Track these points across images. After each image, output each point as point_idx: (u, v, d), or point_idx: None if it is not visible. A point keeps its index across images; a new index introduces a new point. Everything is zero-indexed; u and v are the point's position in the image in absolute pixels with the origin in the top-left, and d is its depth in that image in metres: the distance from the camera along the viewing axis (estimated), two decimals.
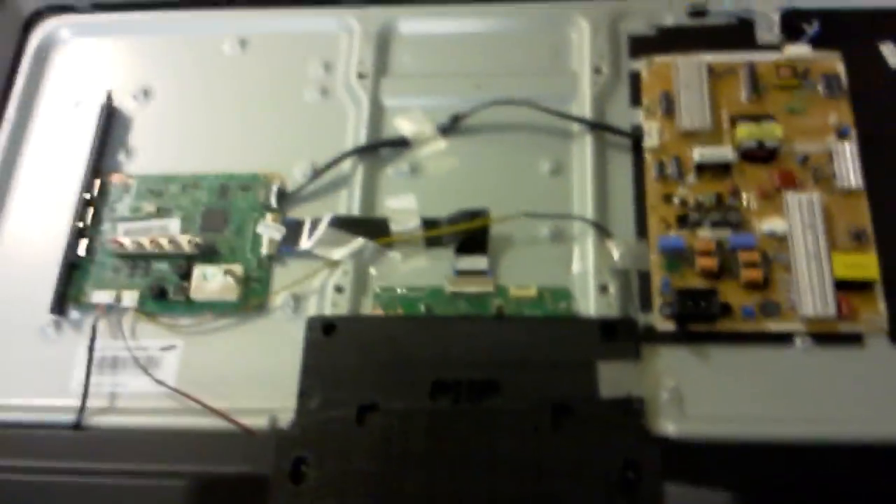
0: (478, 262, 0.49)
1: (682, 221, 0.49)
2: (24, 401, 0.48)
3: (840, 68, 0.52)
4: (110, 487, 0.44)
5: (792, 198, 0.48)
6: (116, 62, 0.60)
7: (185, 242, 0.50)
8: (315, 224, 0.51)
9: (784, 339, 0.46)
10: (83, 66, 0.60)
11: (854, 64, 0.52)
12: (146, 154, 0.56)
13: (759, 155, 0.50)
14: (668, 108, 0.52)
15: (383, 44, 0.57)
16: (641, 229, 0.49)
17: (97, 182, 0.54)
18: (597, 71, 0.54)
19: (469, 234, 0.49)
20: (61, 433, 0.46)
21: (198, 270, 0.50)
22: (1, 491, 0.45)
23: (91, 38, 0.61)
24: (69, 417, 0.47)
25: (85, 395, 0.47)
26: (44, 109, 0.59)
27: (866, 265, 0.46)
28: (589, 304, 0.47)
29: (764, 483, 0.42)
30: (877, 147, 0.50)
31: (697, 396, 0.45)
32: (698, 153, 0.50)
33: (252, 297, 0.49)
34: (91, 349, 0.48)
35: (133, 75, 0.59)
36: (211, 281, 0.50)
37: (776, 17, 0.54)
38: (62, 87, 0.59)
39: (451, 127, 0.53)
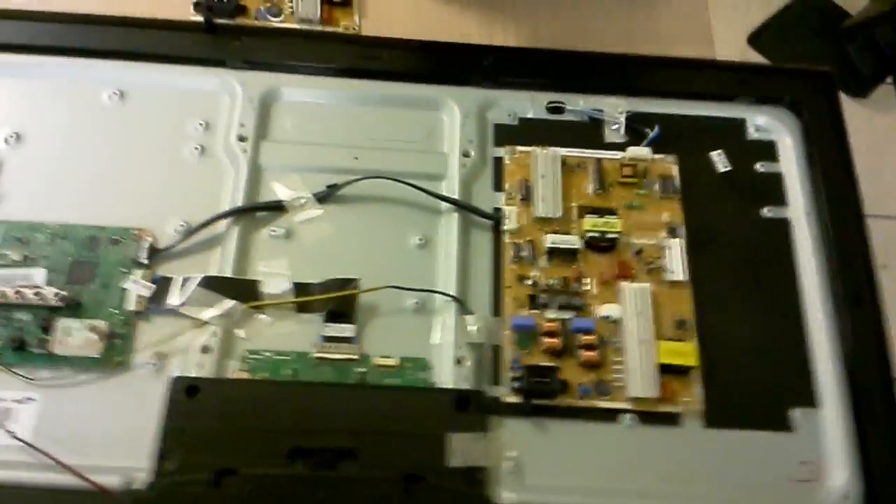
0: (345, 329, 0.50)
1: (533, 301, 0.51)
2: None
3: (675, 171, 0.56)
4: None
5: (627, 287, 0.51)
6: None
7: (52, 295, 0.47)
8: (185, 282, 0.50)
9: (613, 415, 0.49)
10: None
11: (687, 167, 0.57)
12: (14, 199, 0.52)
13: (601, 245, 0.53)
14: (526, 194, 0.54)
15: (265, 108, 0.57)
16: (497, 306, 0.51)
17: None
18: (465, 154, 0.56)
19: (338, 302, 0.50)
20: None
21: (61, 324, 0.47)
22: None
23: None
24: None
25: None
26: None
27: (687, 353, 0.50)
28: (447, 374, 0.49)
29: None
30: (701, 244, 0.54)
31: (536, 467, 0.47)
32: (550, 239, 0.52)
33: (115, 354, 0.47)
34: None
35: (5, 117, 0.55)
36: (74, 336, 0.47)
37: (622, 120, 0.58)
38: None
39: (327, 195, 0.53)
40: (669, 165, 0.56)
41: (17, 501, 0.43)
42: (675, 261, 0.52)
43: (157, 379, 0.47)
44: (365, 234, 0.53)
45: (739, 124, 0.59)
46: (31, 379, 0.46)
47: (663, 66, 0.61)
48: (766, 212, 0.56)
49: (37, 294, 0.47)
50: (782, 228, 0.56)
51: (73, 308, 0.48)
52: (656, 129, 0.57)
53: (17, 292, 0.47)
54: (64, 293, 0.48)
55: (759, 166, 0.58)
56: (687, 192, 0.55)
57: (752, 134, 0.59)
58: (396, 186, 0.54)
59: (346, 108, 0.58)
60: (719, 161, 0.57)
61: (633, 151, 0.57)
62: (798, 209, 0.56)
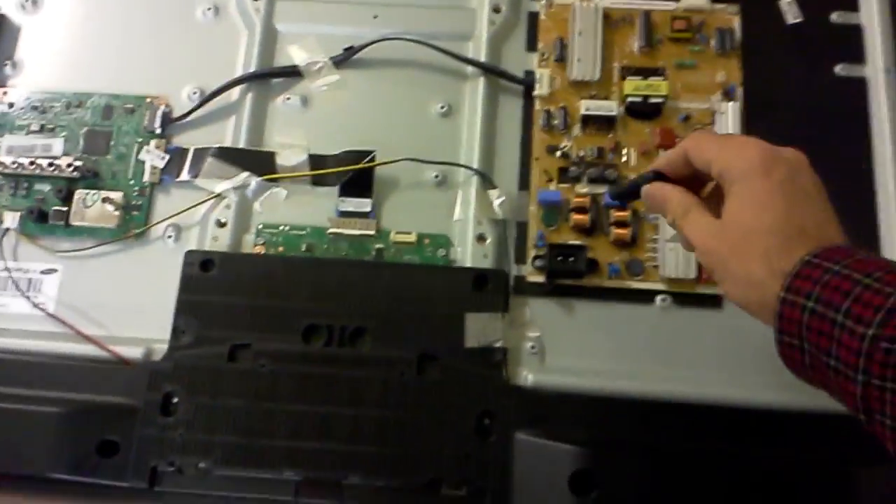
0: (361, 203, 0.45)
1: (564, 174, 0.45)
2: None
3: (735, 23, 0.47)
4: None
5: None
6: None
7: (66, 166, 0.45)
8: (200, 154, 0.46)
9: (646, 297, 0.44)
10: None
11: (751, 18, 0.48)
12: (33, 67, 0.49)
13: (644, 110, 0.46)
14: (561, 54, 0.47)
15: None
16: (524, 180, 0.46)
17: None
18: (495, 10, 0.48)
19: (354, 176, 0.45)
20: None
21: (78, 195, 0.45)
22: None
23: None
24: None
25: None
26: None
27: None
28: (466, 252, 0.44)
29: (608, 435, 0.40)
30: (761, 108, 0.46)
31: (559, 348, 0.43)
32: (585, 105, 0.46)
33: (131, 226, 0.45)
34: None
35: None
36: (91, 207, 0.45)
37: None
38: None
39: (345, 59, 0.48)
40: (730, 17, 0.48)
41: (41, 370, 0.42)
42: (729, 127, 0.45)
43: (175, 251, 0.45)
44: (384, 101, 0.48)
45: None
46: (52, 250, 0.45)
47: None
48: (840, 70, 0.47)
49: (52, 165, 0.45)
50: (858, 88, 0.47)
51: (89, 179, 0.46)
52: None
53: (33, 163, 0.45)
54: (80, 163, 0.45)
55: (836, 16, 0.48)
56: (748, 48, 0.47)
57: None
58: (418, 48, 0.47)
59: None
60: (789, 11, 0.48)
61: (689, 1, 0.48)
62: (877, 66, 0.47)
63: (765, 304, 0.28)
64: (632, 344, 0.43)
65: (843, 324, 0.26)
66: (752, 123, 0.45)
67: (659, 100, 0.46)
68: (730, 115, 0.45)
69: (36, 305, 0.43)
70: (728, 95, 0.46)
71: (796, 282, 0.28)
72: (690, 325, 0.43)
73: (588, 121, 0.46)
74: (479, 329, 0.42)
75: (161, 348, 0.42)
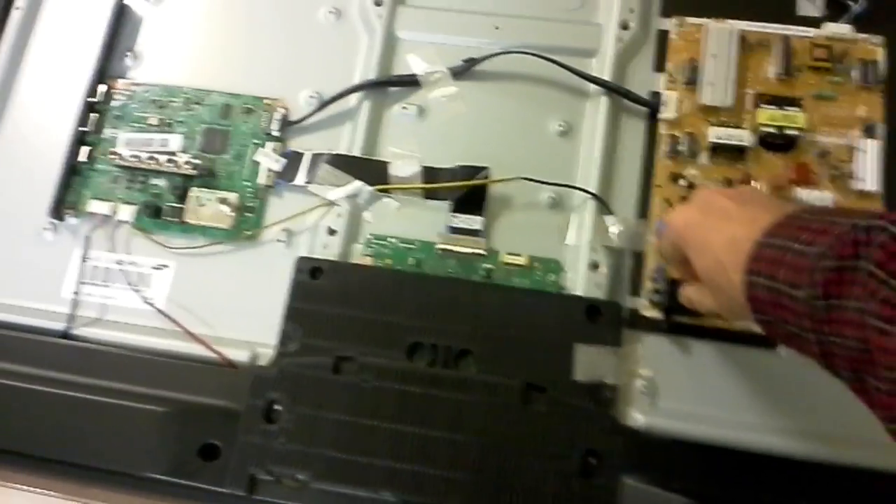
0: (473, 221, 0.43)
1: None
2: (17, 301, 0.44)
3: (880, 55, 0.43)
4: (91, 403, 0.40)
5: (804, 194, 0.41)
6: None
7: (184, 163, 0.44)
8: (316, 159, 0.44)
9: (769, 342, 0.40)
10: None
11: None
12: (153, 61, 0.48)
13: (778, 142, 0.42)
14: (692, 77, 0.43)
15: None
16: (644, 208, 0.42)
17: (102, 87, 0.46)
18: (623, 27, 0.45)
19: (467, 192, 0.43)
20: (50, 341, 0.42)
21: (193, 194, 0.44)
22: None
23: None
24: (59, 325, 0.42)
25: (75, 306, 0.42)
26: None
27: None
28: (578, 279, 0.41)
29: (723, 489, 0.37)
30: None
31: (672, 390, 0.39)
32: (715, 133, 0.42)
33: (244, 228, 0.43)
34: (85, 259, 0.43)
35: None
36: (206, 206, 0.44)
37: None
38: None
39: (464, 71, 0.45)
40: (874, 48, 0.43)
41: (145, 366, 0.41)
42: (868, 166, 0.41)
43: (285, 255, 0.43)
44: (501, 116, 0.45)
45: None
46: (166, 246, 0.44)
47: None
48: None
49: (170, 161, 0.44)
50: None
51: (205, 178, 0.44)
52: (862, 2, 0.43)
53: (153, 158, 0.44)
54: (197, 161, 0.44)
55: None
56: (894, 82, 0.43)
57: None
58: (539, 63, 0.44)
59: None
60: None
61: (832, 28, 0.44)
62: None
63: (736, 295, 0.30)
64: (753, 392, 0.39)
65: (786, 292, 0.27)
66: (894, 164, 0.41)
67: (795, 132, 0.42)
68: (870, 154, 0.41)
69: (146, 300, 0.43)
70: (869, 132, 0.42)
71: (751, 264, 0.29)
72: (818, 375, 0.40)
73: (717, 149, 0.42)
74: (590, 363, 0.39)
75: (265, 352, 0.41)
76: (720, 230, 0.32)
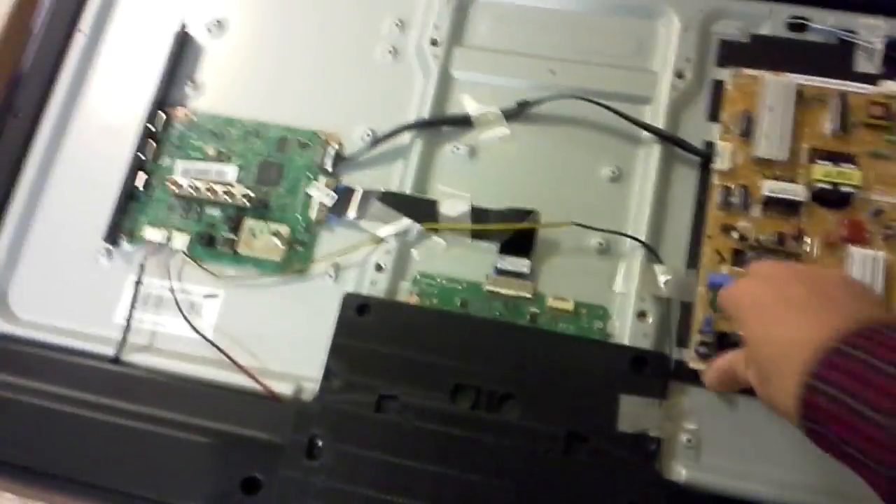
0: (520, 263, 0.43)
1: (738, 257, 0.41)
2: (70, 325, 0.45)
3: None
4: (136, 430, 0.41)
5: (857, 253, 0.40)
6: None
7: (240, 195, 0.45)
8: (367, 196, 0.45)
9: None
10: None
11: None
12: (212, 91, 0.49)
13: (833, 199, 0.41)
14: (747, 129, 0.43)
15: (462, 9, 0.48)
16: (693, 258, 0.42)
17: (161, 115, 0.47)
18: (679, 75, 0.45)
19: (516, 234, 0.43)
20: (101, 365, 0.43)
21: (247, 225, 0.45)
22: (36, 414, 0.41)
23: None
24: (109, 350, 0.43)
25: (126, 331, 0.43)
26: (118, 24, 0.51)
27: None
28: (625, 327, 0.41)
29: None
30: None
31: (717, 445, 0.39)
32: (769, 186, 0.42)
33: (295, 261, 0.44)
34: (138, 285, 0.44)
35: (209, 3, 0.51)
36: (258, 238, 0.45)
37: (880, 46, 0.44)
38: (138, 5, 0.51)
39: (517, 113, 0.46)
40: None
41: (190, 395, 0.41)
42: None
43: (333, 289, 0.43)
44: (552, 160, 0.45)
45: None
46: (217, 276, 0.44)
47: None
48: None
49: (227, 193, 0.45)
50: None
51: (259, 209, 0.45)
52: None
53: (210, 189, 0.45)
54: (252, 194, 0.45)
55: None
56: None
57: None
58: (593, 108, 0.45)
59: (549, 12, 0.48)
60: None
61: (889, 86, 0.43)
62: None
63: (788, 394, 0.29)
64: (797, 450, 0.38)
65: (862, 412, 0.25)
66: None
67: (850, 189, 0.41)
68: None
69: (195, 329, 0.43)
70: None
71: (819, 370, 0.27)
72: None
73: (770, 203, 0.42)
74: (634, 414, 0.39)
75: (309, 387, 0.41)
76: (789, 323, 0.30)
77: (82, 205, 0.47)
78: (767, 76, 0.44)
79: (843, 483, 0.37)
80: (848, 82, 0.44)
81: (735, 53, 0.45)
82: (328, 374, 0.41)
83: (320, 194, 0.45)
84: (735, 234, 0.42)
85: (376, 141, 0.46)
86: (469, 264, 0.44)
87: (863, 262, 0.40)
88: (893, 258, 0.40)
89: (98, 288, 0.45)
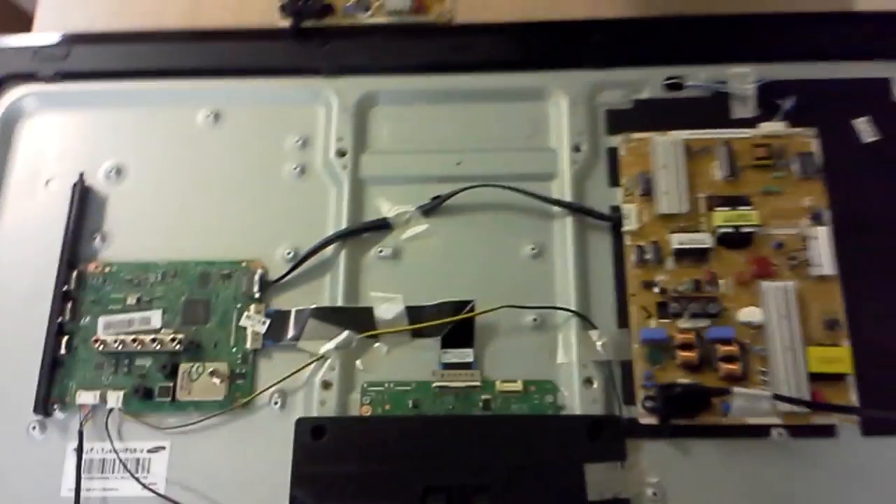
0: (464, 354, 0.44)
1: (663, 310, 0.44)
2: None
3: (815, 146, 0.47)
4: None
5: (767, 287, 0.44)
6: (86, 136, 0.51)
7: (169, 340, 0.44)
8: (300, 315, 0.45)
9: (761, 431, 0.42)
10: (51, 139, 0.51)
11: (828, 140, 0.47)
12: (122, 239, 0.48)
13: (736, 240, 0.45)
14: (646, 188, 0.46)
15: (362, 116, 0.50)
16: (623, 317, 0.44)
17: (74, 273, 0.46)
18: (576, 149, 0.48)
19: (455, 326, 0.44)
20: None
21: (183, 369, 0.44)
22: None
23: (58, 109, 0.52)
24: None
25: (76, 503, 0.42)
26: (13, 185, 0.50)
27: (840, 359, 0.42)
28: (574, 396, 0.43)
29: None
30: (852, 230, 0.45)
31: (680, 492, 0.41)
32: (677, 239, 0.45)
33: (238, 395, 0.44)
34: (80, 453, 0.42)
35: (104, 151, 0.51)
36: (196, 380, 0.44)
37: (751, 92, 0.48)
38: (30, 163, 0.50)
39: (433, 208, 0.47)
40: (809, 140, 0.47)
41: None
42: (822, 252, 0.44)
43: (282, 417, 0.43)
44: (474, 247, 0.47)
45: (883, 84, 0.48)
46: (159, 427, 0.43)
47: (794, 24, 0.50)
48: None
49: (154, 340, 0.44)
50: None
51: (192, 351, 0.45)
52: (791, 99, 0.47)
53: (135, 340, 0.44)
54: (181, 336, 0.44)
55: None
56: (830, 169, 0.46)
57: None
58: (503, 192, 0.47)
59: (444, 107, 0.50)
60: (864, 129, 0.47)
61: (767, 127, 0.47)
62: None
63: None
64: (752, 481, 0.41)
65: None
66: (844, 245, 0.44)
67: (750, 229, 0.44)
68: (821, 240, 0.44)
69: (146, 487, 0.42)
70: (817, 219, 0.45)
71: None
72: (809, 455, 0.41)
73: (681, 254, 0.45)
74: (600, 481, 0.40)
75: None
76: None
77: (5, 380, 0.45)
78: (655, 137, 0.48)
79: (804, 502, 0.41)
80: (730, 130, 0.48)
81: (622, 120, 0.49)
82: (294, 502, 0.41)
83: (253, 322, 0.45)
84: (656, 288, 0.45)
85: (300, 260, 0.46)
86: (414, 364, 0.44)
87: (775, 295, 0.44)
88: (802, 285, 0.44)
89: (37, 463, 0.43)
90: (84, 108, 0.52)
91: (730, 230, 0.45)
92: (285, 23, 0.52)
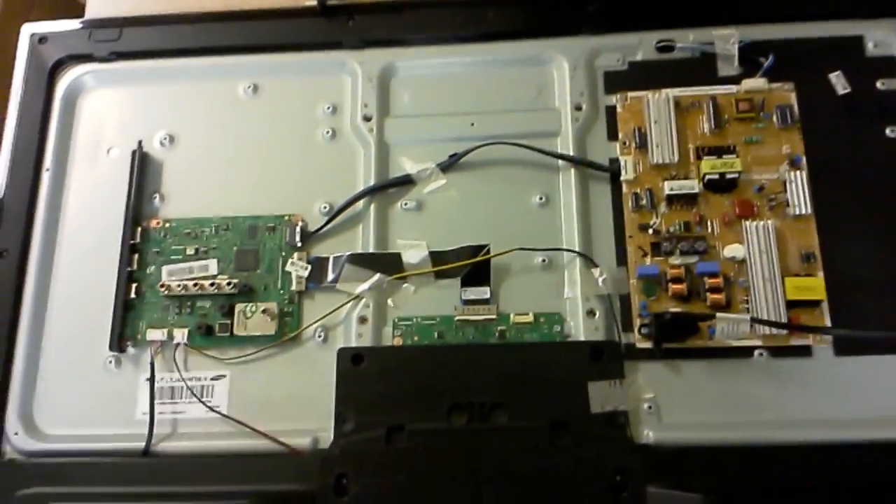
0: (481, 291, 0.51)
1: (656, 249, 0.50)
2: (96, 430, 0.50)
3: (793, 99, 0.53)
4: None
5: (750, 226, 0.50)
6: (140, 109, 0.58)
7: (225, 284, 0.51)
8: (337, 261, 0.52)
9: (745, 352, 0.48)
10: (109, 113, 0.58)
11: (805, 94, 0.53)
12: (178, 199, 0.55)
13: (722, 185, 0.51)
14: (641, 142, 0.52)
15: (384, 85, 0.57)
16: (621, 256, 0.51)
17: (138, 229, 0.53)
18: (577, 108, 0.54)
19: (473, 268, 0.51)
20: (133, 460, 0.48)
21: (238, 308, 0.51)
22: None
23: (113, 85, 0.59)
24: (138, 445, 0.49)
25: (151, 426, 0.49)
26: (79, 154, 0.57)
27: (814, 287, 0.48)
28: (579, 326, 0.50)
29: (731, 481, 0.45)
30: (826, 173, 0.51)
31: (673, 406, 0.48)
32: (668, 186, 0.51)
33: (286, 330, 0.51)
34: (152, 382, 0.50)
35: (157, 121, 0.58)
36: (250, 318, 0.51)
37: (735, 51, 0.54)
38: (92, 135, 0.58)
39: (451, 164, 0.54)
40: (787, 94, 0.53)
41: (222, 467, 0.47)
42: (798, 194, 0.50)
43: (325, 348, 0.50)
44: (489, 198, 0.53)
45: (857, 41, 0.54)
46: (220, 358, 0.51)
47: None
48: (890, 132, 0.51)
49: (213, 285, 0.51)
50: None
51: (245, 293, 0.52)
52: (771, 57, 0.53)
53: (196, 285, 0.52)
54: (235, 280, 0.51)
55: (881, 84, 0.53)
56: (807, 120, 0.52)
57: (871, 50, 0.54)
58: (513, 149, 0.53)
59: (458, 75, 0.57)
60: (838, 83, 0.53)
61: (749, 83, 0.53)
62: None
63: None
64: (737, 395, 0.47)
65: None
66: (819, 187, 0.50)
67: (734, 174, 0.51)
68: (798, 183, 0.50)
69: (211, 409, 0.49)
70: (794, 165, 0.51)
71: None
72: (787, 373, 0.48)
73: (672, 199, 0.51)
74: (602, 396, 0.47)
75: (325, 436, 0.48)
76: None
77: (86, 322, 0.52)
78: (648, 95, 0.54)
79: (774, 413, 0.46)
80: (716, 86, 0.54)
81: (619, 81, 0.55)
82: (339, 420, 0.48)
83: (297, 268, 0.52)
84: (650, 231, 0.51)
85: (335, 213, 0.53)
86: (438, 301, 0.51)
87: (756, 233, 0.50)
88: (781, 224, 0.50)
89: (114, 392, 0.51)
90: (137, 83, 0.59)
91: (716, 176, 0.51)
92: (313, 1, 0.58)
